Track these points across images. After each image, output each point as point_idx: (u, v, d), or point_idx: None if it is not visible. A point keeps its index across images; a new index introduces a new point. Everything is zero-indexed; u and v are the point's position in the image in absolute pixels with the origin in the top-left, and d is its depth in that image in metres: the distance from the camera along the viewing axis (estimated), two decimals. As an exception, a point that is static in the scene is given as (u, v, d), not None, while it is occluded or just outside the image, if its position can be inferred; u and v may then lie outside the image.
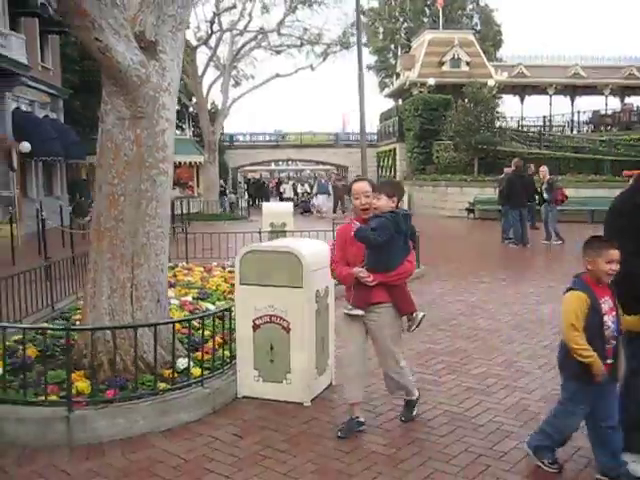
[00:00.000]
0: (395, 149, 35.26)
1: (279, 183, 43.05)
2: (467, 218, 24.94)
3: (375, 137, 41.31)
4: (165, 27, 5.40)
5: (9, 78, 20.28)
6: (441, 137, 29.78)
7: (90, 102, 29.47)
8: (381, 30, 51.64)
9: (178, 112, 39.75)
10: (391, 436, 4.64)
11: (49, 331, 5.85)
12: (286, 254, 5.13)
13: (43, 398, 4.63)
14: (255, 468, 4.13)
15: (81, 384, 4.85)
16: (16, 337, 6.00)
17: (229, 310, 5.60)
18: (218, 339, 5.76)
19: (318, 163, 51.19)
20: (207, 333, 5.66)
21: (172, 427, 4.73)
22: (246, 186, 42.26)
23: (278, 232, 12.65)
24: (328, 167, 49.31)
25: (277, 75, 29.38)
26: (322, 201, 27.60)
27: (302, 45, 28.82)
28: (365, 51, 46.36)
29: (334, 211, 26.75)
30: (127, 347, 5.17)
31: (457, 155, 28.40)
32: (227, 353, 5.63)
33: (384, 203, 4.45)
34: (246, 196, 37.67)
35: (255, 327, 5.27)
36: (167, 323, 5.30)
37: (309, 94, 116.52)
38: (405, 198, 29.16)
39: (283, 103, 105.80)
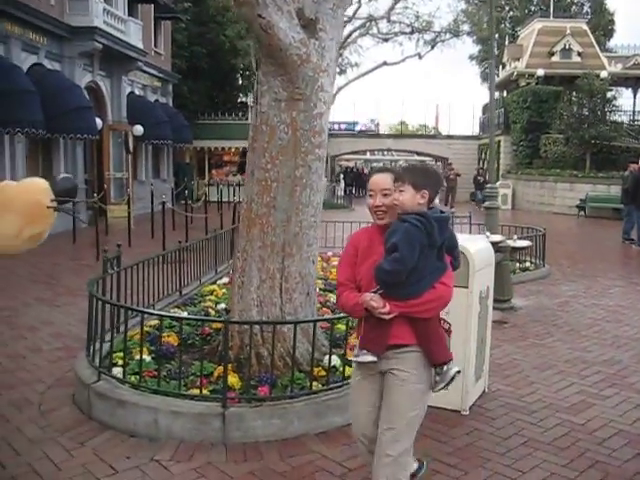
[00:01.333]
0: (499, 142, 34.05)
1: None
2: (578, 216, 23.71)
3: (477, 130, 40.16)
4: (326, 4, 5.09)
5: (126, 63, 20.75)
6: (550, 130, 28.49)
7: (196, 87, 30.07)
8: (485, 19, 50.05)
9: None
10: (567, 455, 4.19)
11: (192, 321, 5.75)
12: (451, 251, 4.72)
13: (198, 392, 4.44)
14: (428, 485, 3.78)
15: (231, 378, 4.63)
16: (152, 322, 5.90)
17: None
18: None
19: (417, 154, 50.31)
20: (344, 328, 5.34)
21: (327, 430, 4.45)
22: (342, 175, 42.01)
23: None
24: (425, 158, 48.39)
25: (385, 63, 28.85)
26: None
27: (412, 32, 28.18)
28: (468, 41, 45.12)
29: (446, 204, 25.33)
30: (276, 342, 4.91)
31: (567, 150, 27.08)
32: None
33: (409, 198, 2.95)
34: (342, 185, 37.40)
35: (411, 327, 4.90)
36: (325, 320, 5.07)
37: (407, 83, 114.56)
38: (508, 192, 28.20)
39: (379, 92, 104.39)
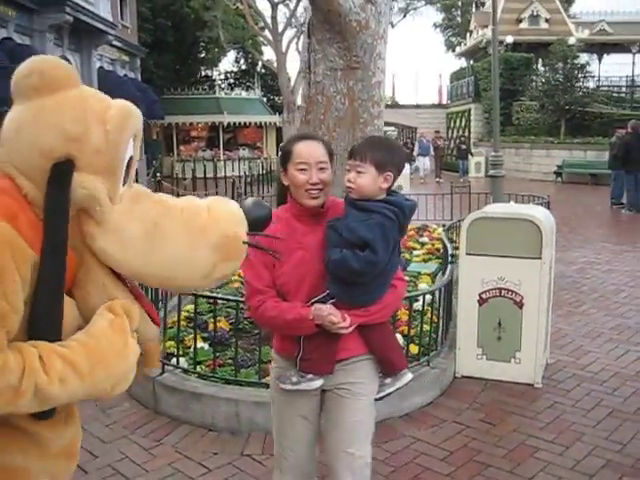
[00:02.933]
0: (469, 110, 34.03)
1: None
2: (555, 182, 23.89)
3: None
4: (380, -34, 4.82)
5: (96, 36, 19.97)
6: (522, 97, 28.57)
7: (162, 61, 29.28)
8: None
9: (246, 71, 39.39)
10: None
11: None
12: (524, 222, 4.58)
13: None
14: (537, 464, 3.65)
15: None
16: (187, 307, 5.63)
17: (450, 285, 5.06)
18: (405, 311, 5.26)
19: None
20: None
21: (409, 412, 4.29)
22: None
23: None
24: (390, 128, 48.28)
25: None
26: (424, 164, 25.28)
27: None
28: (431, 9, 44.83)
29: (437, 175, 24.78)
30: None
31: (541, 116, 27.22)
32: (427, 327, 5.15)
33: (370, 182, 2.33)
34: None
35: (481, 301, 4.76)
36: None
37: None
38: (482, 160, 28.19)
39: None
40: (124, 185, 1.69)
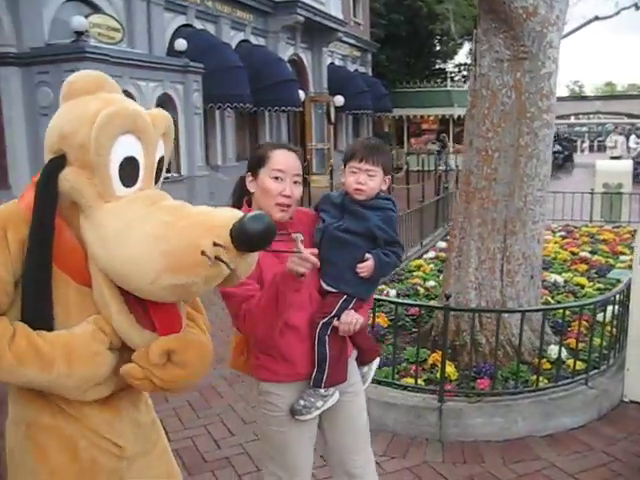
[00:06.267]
0: None
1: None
2: None
3: None
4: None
5: (327, 34, 20.89)
6: None
7: (394, 55, 29.70)
8: None
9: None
10: None
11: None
12: None
13: (413, 381, 4.13)
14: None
15: (447, 368, 4.27)
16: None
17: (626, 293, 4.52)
18: (583, 322, 4.78)
19: (627, 116, 45.94)
20: (567, 313, 4.69)
21: (553, 433, 3.93)
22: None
23: (613, 194, 11.17)
24: (636, 121, 44.01)
25: (596, 18, 26.19)
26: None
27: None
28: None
29: None
30: (493, 328, 4.46)
31: None
32: (597, 341, 4.65)
33: (379, 185, 2.35)
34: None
35: (658, 319, 4.20)
36: (554, 309, 4.50)
37: (615, 38, 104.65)
38: None
39: (582, 50, 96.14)
40: (156, 183, 1.79)
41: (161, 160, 1.79)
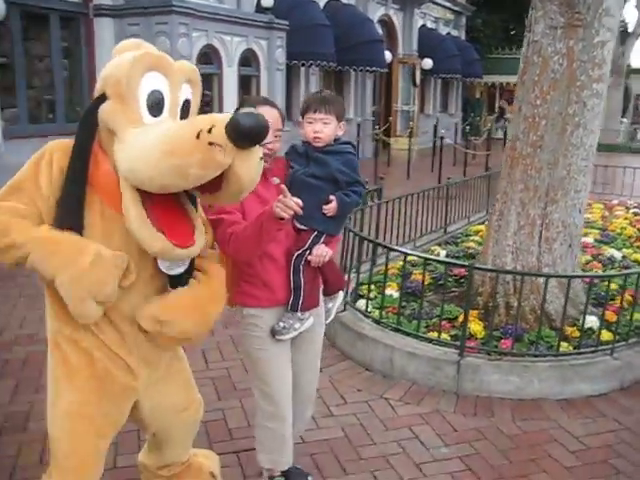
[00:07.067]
0: None
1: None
2: None
3: None
4: None
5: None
6: None
7: (490, 20, 28.76)
8: None
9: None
10: None
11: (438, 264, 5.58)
12: None
13: (436, 335, 4.31)
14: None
15: (474, 326, 4.42)
16: (410, 258, 5.83)
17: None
18: (627, 296, 4.77)
19: None
20: (612, 287, 4.71)
21: (569, 398, 4.03)
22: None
23: None
24: None
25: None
26: None
27: None
28: None
29: None
30: (528, 292, 4.56)
31: None
32: (637, 316, 4.66)
33: (333, 132, 2.63)
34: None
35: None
36: (584, 277, 4.53)
37: None
38: None
39: None
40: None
41: (187, 103, 2.11)
